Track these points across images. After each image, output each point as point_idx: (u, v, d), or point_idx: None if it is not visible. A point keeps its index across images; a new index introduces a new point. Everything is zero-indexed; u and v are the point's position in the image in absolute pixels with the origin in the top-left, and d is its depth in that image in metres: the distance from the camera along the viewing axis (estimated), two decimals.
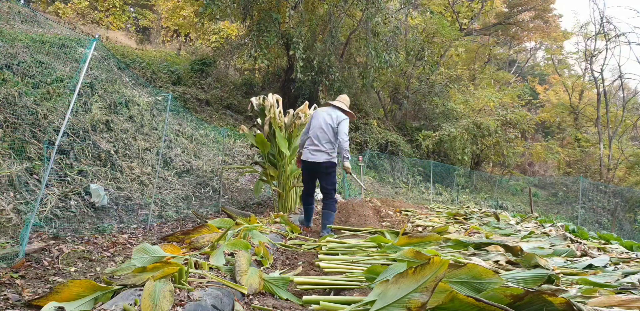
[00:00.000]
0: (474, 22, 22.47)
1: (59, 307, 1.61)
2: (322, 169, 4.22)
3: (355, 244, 3.05)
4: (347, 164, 4.21)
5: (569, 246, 3.21)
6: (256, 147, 6.55)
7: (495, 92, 17.91)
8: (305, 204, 4.57)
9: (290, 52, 11.62)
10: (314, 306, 1.79)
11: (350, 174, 4.39)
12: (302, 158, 4.33)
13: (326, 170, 4.22)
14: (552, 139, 24.87)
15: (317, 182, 4.47)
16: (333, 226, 4.34)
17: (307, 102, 6.40)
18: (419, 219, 5.71)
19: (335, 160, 4.29)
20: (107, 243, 3.30)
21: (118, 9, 18.09)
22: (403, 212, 6.91)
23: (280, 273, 2.45)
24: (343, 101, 4.47)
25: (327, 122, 4.19)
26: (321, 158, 4.18)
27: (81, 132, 4.90)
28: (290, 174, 5.97)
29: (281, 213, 5.16)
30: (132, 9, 21.36)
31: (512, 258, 2.50)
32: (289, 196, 5.96)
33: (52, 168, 3.96)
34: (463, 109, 17.79)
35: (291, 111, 6.32)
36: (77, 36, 7.09)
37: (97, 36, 3.62)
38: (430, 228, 4.58)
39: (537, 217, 7.34)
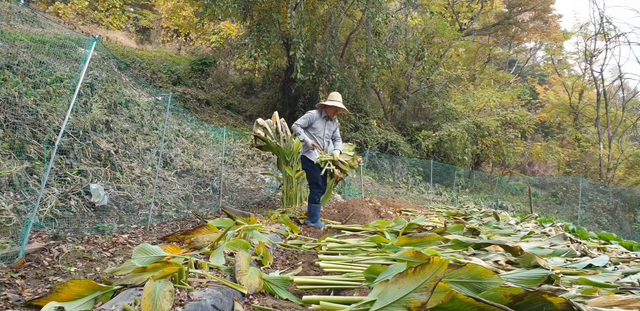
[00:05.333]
0: (474, 22, 22.48)
1: (59, 307, 1.61)
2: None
3: (355, 244, 3.05)
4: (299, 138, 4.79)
5: (568, 246, 3.21)
6: (257, 148, 6.80)
7: (495, 92, 17.92)
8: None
9: (291, 53, 11.62)
10: (313, 306, 1.80)
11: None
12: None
13: (303, 166, 4.88)
14: (552, 139, 24.88)
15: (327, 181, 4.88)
16: (333, 225, 4.35)
17: (275, 113, 7.08)
18: None
19: (307, 154, 4.73)
20: (107, 243, 3.30)
21: (118, 9, 18.09)
22: (403, 212, 6.91)
23: (280, 273, 2.45)
24: (329, 97, 4.85)
25: None
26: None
27: (81, 132, 4.91)
28: (293, 177, 6.37)
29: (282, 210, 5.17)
30: (132, 9, 21.37)
31: (512, 258, 2.49)
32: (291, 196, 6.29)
33: (52, 168, 3.96)
34: (463, 109, 17.78)
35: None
36: (77, 36, 7.09)
37: (97, 36, 3.62)
38: (430, 228, 4.58)
39: (536, 217, 7.34)
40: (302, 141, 4.69)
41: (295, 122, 4.73)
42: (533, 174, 24.50)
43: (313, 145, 4.64)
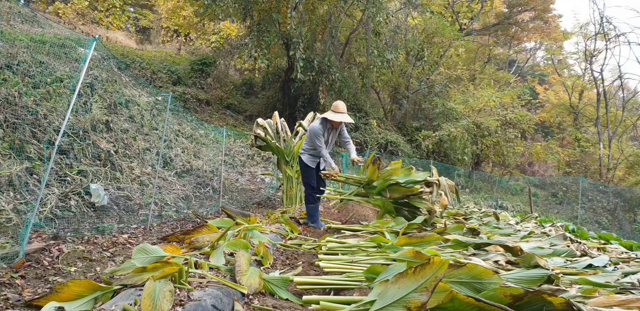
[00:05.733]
0: (474, 22, 22.48)
1: (59, 307, 1.61)
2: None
3: (355, 244, 3.05)
4: (327, 168, 4.60)
5: (568, 246, 3.21)
6: (257, 148, 6.84)
7: (495, 92, 17.92)
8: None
9: (291, 53, 11.63)
10: (313, 306, 1.79)
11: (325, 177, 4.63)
12: None
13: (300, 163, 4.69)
14: (552, 139, 24.89)
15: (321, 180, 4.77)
16: (333, 225, 4.35)
17: (276, 113, 7.14)
18: None
19: (304, 157, 4.64)
20: (107, 243, 3.30)
21: (118, 9, 18.09)
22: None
23: (280, 273, 2.45)
24: (333, 108, 4.48)
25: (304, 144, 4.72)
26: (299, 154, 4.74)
27: (81, 132, 4.91)
28: (293, 177, 6.48)
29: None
30: (132, 9, 21.36)
31: (512, 258, 2.49)
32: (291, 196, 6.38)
33: (52, 168, 3.96)
34: (463, 109, 17.79)
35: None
36: (77, 36, 7.09)
37: (97, 36, 3.62)
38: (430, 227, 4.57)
39: (536, 217, 7.34)
40: (332, 168, 4.47)
41: (320, 147, 4.41)
42: (533, 174, 24.50)
43: (336, 174, 4.53)
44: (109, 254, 3.04)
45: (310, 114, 7.36)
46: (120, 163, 5.19)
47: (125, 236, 3.65)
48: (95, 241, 3.28)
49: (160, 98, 8.01)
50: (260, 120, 6.72)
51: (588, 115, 23.48)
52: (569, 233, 4.68)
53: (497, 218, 5.85)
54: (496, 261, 2.45)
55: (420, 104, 17.91)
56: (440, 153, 16.55)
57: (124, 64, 10.40)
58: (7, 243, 2.78)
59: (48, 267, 2.54)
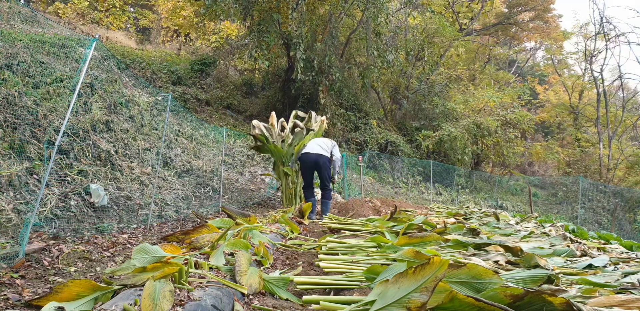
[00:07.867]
0: (474, 23, 22.47)
1: (59, 307, 1.61)
2: (320, 163, 5.30)
3: (355, 244, 3.05)
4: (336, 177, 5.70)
5: (568, 246, 3.20)
6: (254, 149, 6.89)
7: (495, 92, 17.90)
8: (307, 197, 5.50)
9: (291, 53, 11.62)
10: (314, 306, 1.79)
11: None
12: (303, 151, 5.45)
13: (323, 165, 5.30)
14: (552, 139, 24.87)
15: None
16: (333, 225, 4.36)
17: (273, 113, 7.30)
18: None
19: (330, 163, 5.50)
20: (107, 243, 3.30)
21: (118, 9, 18.09)
22: (403, 212, 6.90)
23: (280, 273, 2.45)
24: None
25: (321, 146, 5.47)
26: (321, 153, 5.36)
27: (81, 132, 4.91)
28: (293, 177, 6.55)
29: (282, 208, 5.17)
30: (132, 9, 21.36)
31: (512, 258, 2.49)
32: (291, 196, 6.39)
33: (52, 168, 3.96)
34: (463, 109, 17.77)
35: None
36: (77, 36, 7.09)
37: (97, 36, 3.62)
38: (430, 228, 4.56)
39: (536, 217, 7.34)
40: (337, 173, 5.59)
41: (339, 156, 5.54)
42: (533, 174, 24.49)
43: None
44: (109, 254, 3.04)
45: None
46: (120, 163, 5.18)
47: (125, 236, 3.65)
48: (95, 241, 3.28)
49: (160, 98, 8.00)
50: (255, 122, 6.75)
51: (588, 115, 23.47)
52: (569, 233, 4.67)
53: (497, 218, 5.85)
54: (496, 261, 2.45)
55: (420, 104, 17.89)
56: (440, 153, 16.54)
57: (124, 64, 10.39)
58: (7, 243, 2.78)
59: (48, 267, 2.54)
